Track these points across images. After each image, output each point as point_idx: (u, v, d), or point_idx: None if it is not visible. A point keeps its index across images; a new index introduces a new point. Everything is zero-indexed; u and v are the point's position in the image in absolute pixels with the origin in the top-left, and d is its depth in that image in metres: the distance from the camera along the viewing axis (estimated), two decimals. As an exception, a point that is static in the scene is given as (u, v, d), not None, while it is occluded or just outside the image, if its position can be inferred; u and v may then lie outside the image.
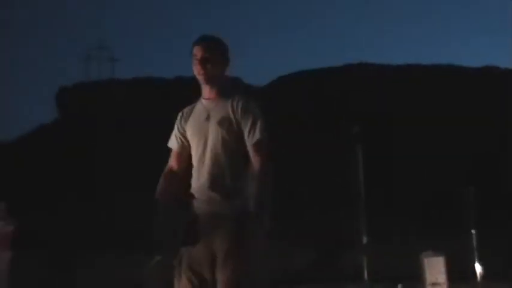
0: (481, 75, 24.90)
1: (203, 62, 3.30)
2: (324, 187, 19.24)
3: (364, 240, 7.86)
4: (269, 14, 59.36)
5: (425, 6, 60.44)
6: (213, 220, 3.16)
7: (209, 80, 3.34)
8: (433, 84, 24.00)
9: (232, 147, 3.23)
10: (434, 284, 9.01)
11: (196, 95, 3.51)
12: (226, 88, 3.39)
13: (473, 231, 9.09)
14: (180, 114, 3.50)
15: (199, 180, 3.28)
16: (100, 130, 22.90)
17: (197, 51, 3.33)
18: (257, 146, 3.20)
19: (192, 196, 3.31)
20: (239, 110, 3.26)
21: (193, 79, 3.47)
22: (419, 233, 15.49)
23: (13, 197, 11.63)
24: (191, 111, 3.45)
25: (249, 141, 3.21)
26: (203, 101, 3.42)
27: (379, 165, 16.70)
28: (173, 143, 3.47)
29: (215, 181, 3.21)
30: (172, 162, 3.44)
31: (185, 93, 3.66)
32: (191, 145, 3.38)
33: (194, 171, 3.32)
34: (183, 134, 3.43)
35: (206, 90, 3.40)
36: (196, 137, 3.34)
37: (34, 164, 22.49)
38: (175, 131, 3.48)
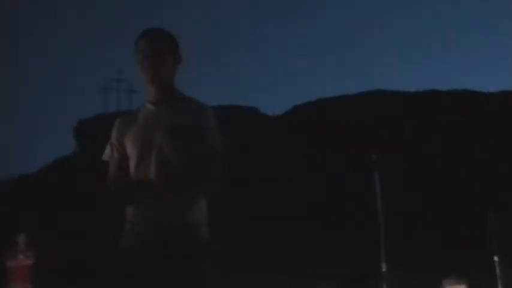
0: (498, 99, 24.77)
1: (153, 57, 2.67)
2: (342, 215, 19.12)
3: (384, 267, 7.76)
4: (282, 42, 59.73)
5: (442, 31, 60.50)
6: (159, 252, 2.56)
7: (158, 80, 2.70)
8: (449, 110, 23.90)
9: (184, 160, 2.59)
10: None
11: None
12: (177, 91, 2.77)
13: (496, 258, 8.94)
14: (117, 120, 2.86)
15: (146, 204, 2.63)
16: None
17: (145, 45, 2.69)
18: (209, 158, 2.60)
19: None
20: (195, 117, 2.64)
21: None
22: (440, 259, 15.31)
23: (32, 229, 11.64)
24: (133, 117, 2.79)
25: (201, 152, 2.60)
26: (148, 105, 2.76)
27: (398, 192, 16.59)
28: (107, 154, 2.82)
29: (164, 202, 2.58)
30: (114, 170, 2.76)
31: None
32: (131, 158, 2.71)
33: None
34: (121, 144, 2.76)
35: (152, 93, 2.74)
36: (138, 148, 2.68)
37: (53, 196, 22.60)
38: (110, 141, 2.83)
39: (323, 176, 21.51)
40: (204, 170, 2.60)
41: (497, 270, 8.84)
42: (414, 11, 61.19)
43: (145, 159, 2.64)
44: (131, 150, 2.71)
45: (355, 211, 17.72)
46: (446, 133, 22.83)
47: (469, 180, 20.41)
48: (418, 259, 15.83)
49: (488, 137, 22.19)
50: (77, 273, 16.49)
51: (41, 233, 13.30)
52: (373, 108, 24.59)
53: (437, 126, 23.16)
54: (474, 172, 20.84)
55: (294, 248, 17.72)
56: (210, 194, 2.66)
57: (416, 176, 20.83)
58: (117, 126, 2.81)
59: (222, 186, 2.61)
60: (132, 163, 2.70)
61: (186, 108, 2.68)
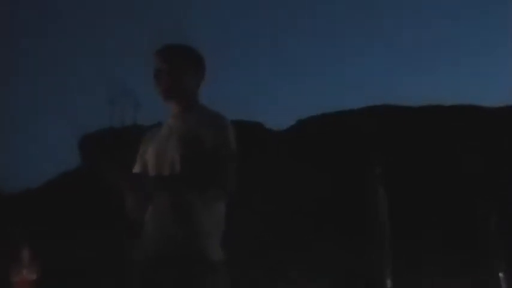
0: (503, 114, 24.72)
1: (159, 74, 2.74)
2: (347, 230, 19.05)
3: (389, 284, 7.70)
4: (288, 56, 59.89)
5: (447, 46, 60.63)
6: (174, 266, 2.48)
7: (170, 96, 2.77)
8: (454, 124, 23.88)
9: (188, 169, 2.56)
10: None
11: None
12: (195, 103, 2.78)
13: (501, 274, 8.86)
14: (144, 137, 2.91)
15: (155, 211, 2.61)
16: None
17: (156, 61, 2.78)
18: (214, 163, 2.52)
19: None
20: (205, 124, 2.62)
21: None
22: (446, 275, 15.23)
23: (37, 243, 11.63)
24: (155, 132, 2.84)
25: (204, 161, 2.53)
26: (169, 119, 2.81)
27: (403, 206, 16.52)
28: (135, 170, 2.84)
29: (177, 213, 2.54)
30: None
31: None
32: (149, 168, 2.74)
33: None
34: (143, 158, 2.81)
35: (172, 107, 2.80)
36: (154, 158, 2.71)
37: (57, 211, 22.59)
38: (138, 157, 2.87)
39: (327, 189, 21.46)
40: (206, 177, 2.51)
41: (503, 286, 8.77)
42: (419, 24, 61.39)
43: (160, 169, 2.65)
44: (150, 164, 2.74)
45: (358, 227, 17.68)
46: (451, 147, 22.80)
47: (470, 191, 20.34)
48: (424, 275, 15.75)
49: (490, 150, 22.14)
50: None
51: (44, 247, 13.28)
52: (378, 122, 24.58)
53: (441, 140, 23.14)
54: (475, 182, 20.77)
55: (289, 249, 17.71)
56: (212, 198, 2.57)
57: (419, 192, 20.76)
58: (142, 143, 2.85)
59: (224, 192, 2.55)
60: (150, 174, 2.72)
61: (198, 119, 2.67)
